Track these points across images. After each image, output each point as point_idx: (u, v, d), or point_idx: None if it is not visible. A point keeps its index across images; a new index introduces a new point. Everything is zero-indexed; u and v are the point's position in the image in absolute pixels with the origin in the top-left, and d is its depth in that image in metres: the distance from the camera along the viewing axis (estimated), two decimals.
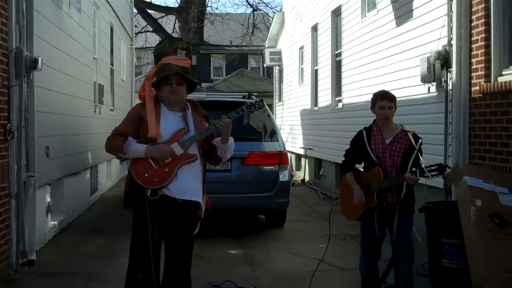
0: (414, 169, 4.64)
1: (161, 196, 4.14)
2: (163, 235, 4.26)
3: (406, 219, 4.86)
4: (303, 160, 16.07)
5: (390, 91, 5.15)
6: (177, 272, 4.21)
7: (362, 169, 5.18)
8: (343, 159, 5.27)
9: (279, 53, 19.66)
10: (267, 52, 20.19)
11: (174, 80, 4.16)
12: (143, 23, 31.51)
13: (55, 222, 8.34)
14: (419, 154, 4.76)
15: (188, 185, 4.17)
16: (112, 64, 14.21)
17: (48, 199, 7.98)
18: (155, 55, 4.34)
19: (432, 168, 4.51)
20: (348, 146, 5.27)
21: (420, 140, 4.94)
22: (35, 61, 6.61)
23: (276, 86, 21.21)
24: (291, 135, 17.57)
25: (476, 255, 5.10)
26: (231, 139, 4.31)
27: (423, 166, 4.56)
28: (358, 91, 10.66)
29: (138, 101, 4.40)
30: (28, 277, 6.33)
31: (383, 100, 4.94)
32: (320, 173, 13.96)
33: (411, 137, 4.89)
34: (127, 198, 4.40)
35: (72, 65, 9.42)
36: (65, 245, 7.80)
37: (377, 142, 5.00)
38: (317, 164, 14.50)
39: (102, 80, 12.39)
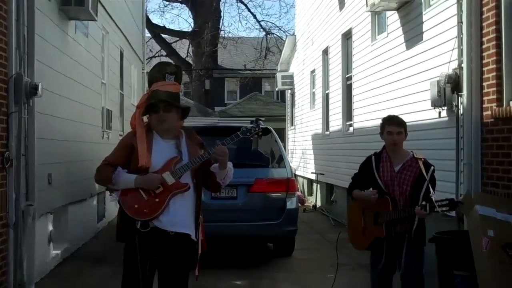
0: (424, 203, 4.43)
1: (152, 229, 3.96)
2: (156, 270, 4.07)
3: (416, 253, 4.64)
4: (315, 185, 15.83)
5: (399, 116, 4.96)
6: None
7: None
8: (350, 181, 5.10)
9: (291, 76, 19.48)
10: (279, 76, 20.03)
11: (161, 107, 4.00)
12: (157, 47, 31.62)
13: (58, 252, 8.16)
14: (429, 185, 4.55)
15: (180, 216, 3.99)
16: (121, 89, 14.13)
17: (50, 227, 7.80)
18: (148, 82, 4.21)
19: (443, 203, 4.30)
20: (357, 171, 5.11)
21: (432, 167, 4.75)
22: (36, 87, 6.47)
23: (288, 110, 21.03)
24: (303, 160, 17.33)
25: None
26: (230, 164, 4.12)
27: (433, 200, 4.37)
28: (368, 115, 10.45)
29: None
30: None
31: (391, 125, 4.78)
32: (331, 199, 13.71)
33: (421, 165, 4.70)
34: (119, 230, 4.23)
35: (78, 90, 9.30)
36: (66, 275, 7.61)
37: (385, 169, 4.83)
38: (329, 189, 14.26)
39: (111, 105, 12.28)
